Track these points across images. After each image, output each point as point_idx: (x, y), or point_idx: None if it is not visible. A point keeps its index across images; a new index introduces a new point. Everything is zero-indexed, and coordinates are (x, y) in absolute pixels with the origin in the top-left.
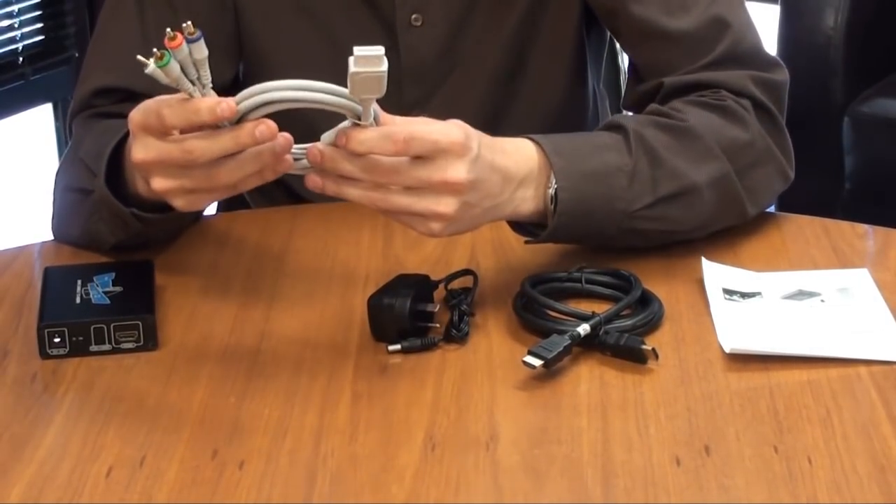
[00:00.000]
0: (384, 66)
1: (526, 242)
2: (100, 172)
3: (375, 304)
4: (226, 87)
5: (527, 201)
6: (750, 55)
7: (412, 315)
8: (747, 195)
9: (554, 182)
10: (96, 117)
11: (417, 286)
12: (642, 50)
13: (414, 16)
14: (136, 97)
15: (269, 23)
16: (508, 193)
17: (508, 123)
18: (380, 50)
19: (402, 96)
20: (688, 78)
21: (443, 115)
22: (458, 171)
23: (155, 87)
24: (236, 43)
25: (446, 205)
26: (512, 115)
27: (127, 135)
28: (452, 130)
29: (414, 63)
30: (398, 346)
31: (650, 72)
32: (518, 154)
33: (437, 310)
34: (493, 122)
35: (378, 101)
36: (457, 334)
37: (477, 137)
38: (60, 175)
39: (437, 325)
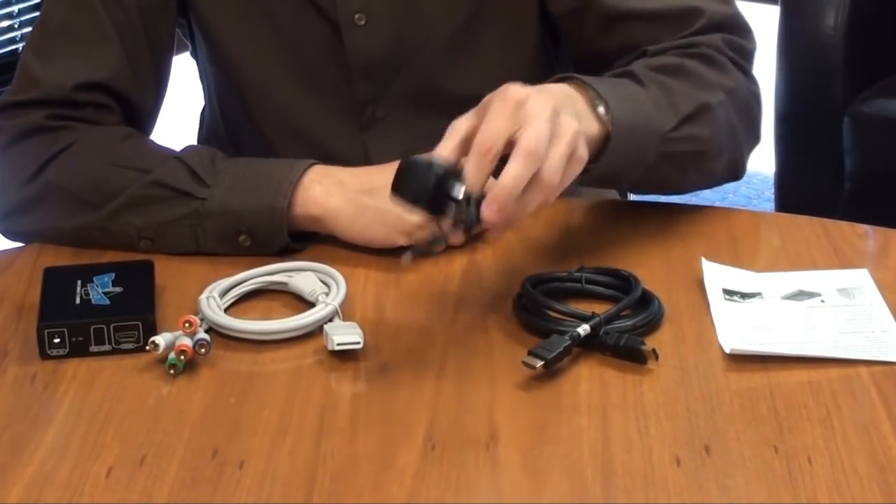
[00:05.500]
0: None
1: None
2: (218, 186)
3: (410, 160)
4: (147, 109)
5: (588, 117)
6: (724, 22)
7: (440, 182)
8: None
9: (599, 101)
10: (87, 122)
11: (454, 167)
12: (615, 35)
13: (357, 15)
14: (113, 94)
15: (223, 17)
16: (570, 101)
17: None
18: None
19: (354, 94)
20: (668, 44)
21: (399, 109)
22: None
23: (135, 90)
24: (164, 75)
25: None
26: (470, 107)
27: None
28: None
29: (362, 61)
30: (409, 255)
31: (627, 53)
32: (549, 84)
33: (461, 196)
34: (451, 116)
35: (332, 98)
36: (463, 220)
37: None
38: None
39: (459, 199)
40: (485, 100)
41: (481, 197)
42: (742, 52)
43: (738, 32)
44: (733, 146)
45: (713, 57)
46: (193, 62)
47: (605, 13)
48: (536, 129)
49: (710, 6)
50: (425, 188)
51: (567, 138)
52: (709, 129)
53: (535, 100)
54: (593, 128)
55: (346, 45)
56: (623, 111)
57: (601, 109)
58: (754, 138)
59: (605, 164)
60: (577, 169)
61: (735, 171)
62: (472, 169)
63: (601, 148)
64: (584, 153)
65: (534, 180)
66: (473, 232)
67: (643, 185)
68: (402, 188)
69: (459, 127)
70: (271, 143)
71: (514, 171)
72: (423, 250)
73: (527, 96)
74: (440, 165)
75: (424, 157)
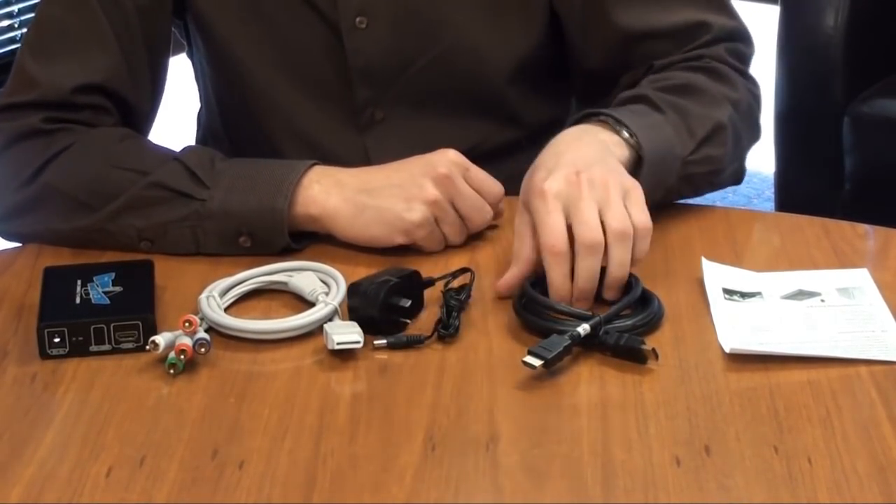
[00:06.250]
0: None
1: None
2: (217, 187)
3: (352, 289)
4: (144, 110)
5: (616, 143)
6: (729, 34)
7: (385, 306)
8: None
9: (620, 126)
10: (84, 125)
11: (401, 279)
12: (624, 54)
13: (358, 18)
14: (111, 96)
15: (222, 18)
16: (596, 148)
17: (470, 120)
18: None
19: (353, 96)
20: (674, 57)
21: (398, 111)
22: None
23: (132, 91)
24: (160, 76)
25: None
26: (472, 112)
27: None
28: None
29: (362, 64)
30: (384, 342)
31: (633, 68)
32: (563, 139)
33: (409, 305)
34: (452, 120)
35: (332, 100)
36: (444, 332)
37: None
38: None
39: (409, 322)
40: (521, 200)
41: (460, 308)
42: (742, 58)
43: (740, 40)
44: (739, 156)
45: (718, 69)
46: (190, 63)
47: (615, 33)
48: (583, 217)
49: (717, 20)
50: (373, 313)
51: (611, 190)
52: (723, 147)
53: (560, 179)
54: (624, 152)
55: (346, 48)
56: (648, 138)
57: (625, 133)
58: (755, 138)
59: (644, 181)
60: (639, 194)
61: (737, 178)
62: (554, 274)
63: (633, 171)
64: (628, 182)
65: (610, 239)
66: (453, 327)
67: (656, 205)
68: (355, 315)
69: (523, 230)
70: (271, 143)
71: (585, 266)
72: (401, 345)
73: (552, 183)
74: (378, 285)
75: (366, 279)
